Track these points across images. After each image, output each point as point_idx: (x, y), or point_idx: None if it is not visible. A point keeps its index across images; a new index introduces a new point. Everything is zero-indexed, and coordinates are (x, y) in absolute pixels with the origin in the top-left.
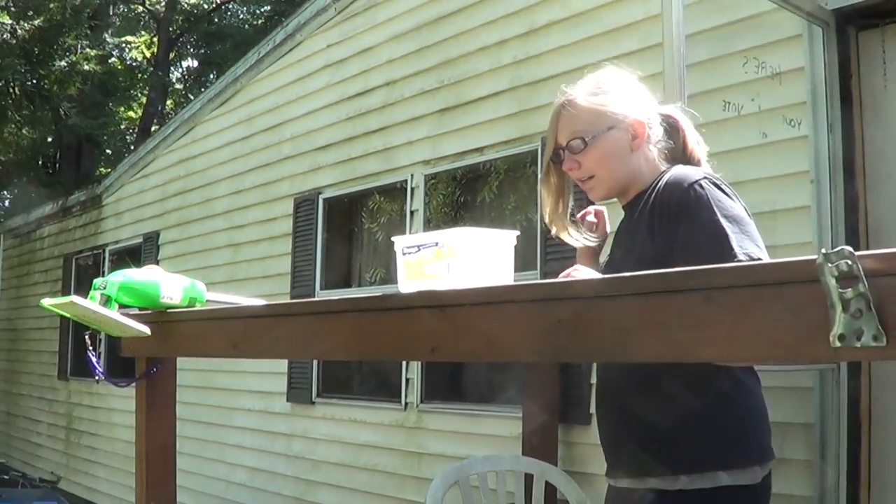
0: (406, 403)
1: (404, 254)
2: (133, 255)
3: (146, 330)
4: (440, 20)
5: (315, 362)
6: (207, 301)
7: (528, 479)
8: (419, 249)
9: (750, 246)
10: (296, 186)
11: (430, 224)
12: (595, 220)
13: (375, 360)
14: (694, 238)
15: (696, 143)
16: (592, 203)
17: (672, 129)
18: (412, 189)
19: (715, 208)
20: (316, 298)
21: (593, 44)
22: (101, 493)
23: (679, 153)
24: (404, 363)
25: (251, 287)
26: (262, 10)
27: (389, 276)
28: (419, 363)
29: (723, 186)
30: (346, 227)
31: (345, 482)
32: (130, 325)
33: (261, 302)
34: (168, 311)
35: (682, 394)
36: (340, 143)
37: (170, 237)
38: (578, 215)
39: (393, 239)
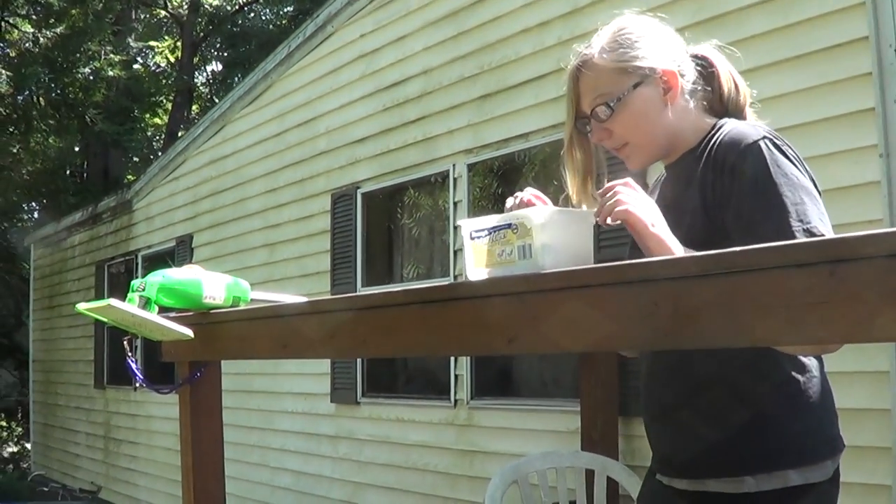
0: (456, 401)
1: (473, 238)
2: (166, 260)
3: (189, 332)
4: (477, 4)
5: (359, 361)
6: (251, 300)
7: (589, 474)
8: (489, 233)
9: (813, 219)
10: (332, 182)
11: (471, 216)
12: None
13: (423, 357)
14: (747, 208)
15: (734, 88)
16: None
17: (708, 73)
18: (455, 179)
19: (774, 175)
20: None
21: None
22: (142, 502)
23: (716, 101)
24: (452, 359)
25: (290, 287)
26: (286, 10)
27: (432, 273)
28: (468, 358)
29: (785, 149)
30: (386, 221)
31: (394, 483)
32: (172, 328)
33: (303, 300)
34: (211, 311)
35: (744, 384)
36: (378, 136)
37: (203, 239)
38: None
39: (459, 223)
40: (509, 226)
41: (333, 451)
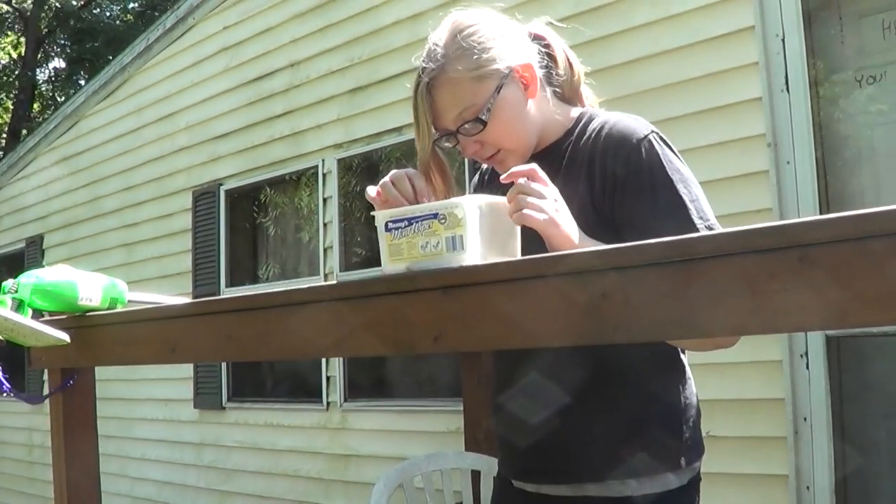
0: (328, 403)
1: (389, 229)
2: (15, 262)
3: (66, 337)
4: None
5: (223, 364)
6: (129, 301)
7: (475, 475)
8: (410, 223)
9: (711, 216)
10: (194, 179)
11: (341, 213)
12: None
13: (297, 360)
14: (645, 206)
15: (569, 67)
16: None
17: (549, 54)
18: (324, 175)
19: (669, 172)
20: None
21: (520, 11)
22: None
23: (559, 84)
24: (324, 360)
25: (149, 289)
26: (132, 5)
27: (300, 272)
28: (340, 359)
29: (669, 143)
30: (251, 219)
31: (264, 491)
32: (47, 332)
33: (184, 300)
34: (87, 314)
35: (630, 389)
36: (241, 130)
37: (56, 240)
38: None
39: (373, 213)
40: (436, 216)
41: (198, 459)
